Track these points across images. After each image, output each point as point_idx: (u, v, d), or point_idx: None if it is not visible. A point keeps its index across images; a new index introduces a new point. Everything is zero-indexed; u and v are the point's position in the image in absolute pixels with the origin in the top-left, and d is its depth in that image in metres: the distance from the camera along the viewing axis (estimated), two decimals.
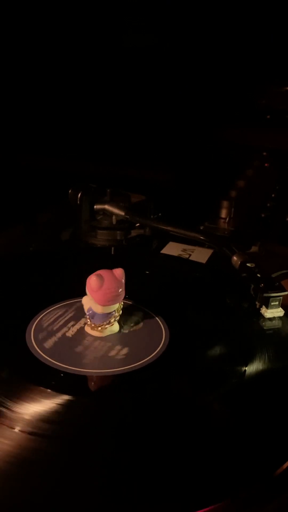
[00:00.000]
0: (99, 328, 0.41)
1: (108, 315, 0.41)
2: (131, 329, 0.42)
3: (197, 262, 0.60)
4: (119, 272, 0.40)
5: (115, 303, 0.40)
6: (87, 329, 0.41)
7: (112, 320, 0.41)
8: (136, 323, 0.43)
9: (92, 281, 0.39)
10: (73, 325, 0.42)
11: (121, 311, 0.42)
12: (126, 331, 0.42)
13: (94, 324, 0.41)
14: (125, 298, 0.45)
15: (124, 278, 0.40)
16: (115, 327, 0.42)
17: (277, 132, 1.01)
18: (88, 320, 0.41)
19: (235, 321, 0.46)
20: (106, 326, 0.41)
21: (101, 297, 0.39)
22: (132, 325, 0.43)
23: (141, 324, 0.43)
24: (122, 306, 0.42)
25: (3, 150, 0.93)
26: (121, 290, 0.40)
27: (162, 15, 0.95)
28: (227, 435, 0.33)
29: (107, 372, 0.37)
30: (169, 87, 0.99)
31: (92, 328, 0.41)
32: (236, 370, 0.38)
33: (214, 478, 0.29)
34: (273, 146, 1.00)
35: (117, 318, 0.41)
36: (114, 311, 0.41)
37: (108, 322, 0.41)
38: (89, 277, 0.39)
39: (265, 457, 0.31)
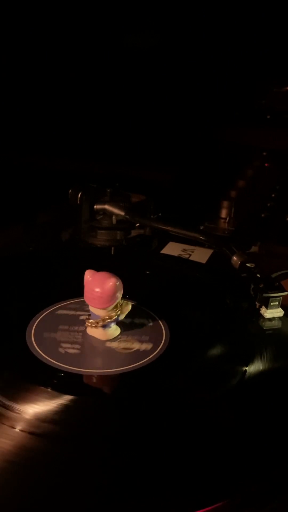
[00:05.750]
0: (88, 323, 0.40)
1: (97, 316, 0.40)
2: (131, 329, 0.42)
3: (197, 262, 0.60)
4: (109, 282, 0.38)
5: (94, 306, 0.39)
6: (88, 329, 0.41)
7: (96, 323, 0.40)
8: (136, 323, 0.43)
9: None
10: (77, 324, 0.42)
11: (111, 318, 0.40)
12: (125, 331, 0.42)
13: (89, 319, 0.41)
14: (125, 298, 0.45)
15: (112, 290, 0.38)
16: (109, 334, 0.41)
17: (277, 132, 1.01)
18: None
19: (235, 321, 0.46)
20: (88, 324, 0.40)
21: (84, 293, 0.40)
22: (131, 325, 0.42)
23: (140, 324, 0.43)
24: (118, 317, 0.40)
25: (3, 150, 0.93)
26: (100, 298, 0.39)
27: (163, 16, 0.95)
28: (227, 435, 0.33)
29: (107, 372, 0.37)
30: (169, 87, 0.99)
31: (89, 324, 0.41)
32: (236, 370, 0.38)
33: (214, 478, 0.29)
34: (273, 146, 1.00)
35: (105, 324, 0.40)
36: (106, 318, 0.40)
37: (95, 322, 0.40)
38: None
39: (265, 457, 0.31)
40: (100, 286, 0.39)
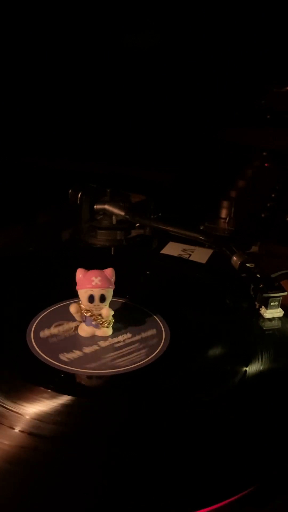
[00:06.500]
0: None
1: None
2: (131, 329, 0.42)
3: (197, 262, 0.60)
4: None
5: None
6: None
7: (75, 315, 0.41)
8: (136, 323, 0.43)
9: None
10: (75, 325, 0.42)
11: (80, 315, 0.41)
12: (126, 331, 0.42)
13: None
14: (125, 298, 0.45)
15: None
16: (84, 330, 0.41)
17: (277, 132, 1.01)
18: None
19: (235, 321, 0.46)
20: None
21: None
22: (131, 325, 0.42)
23: (141, 324, 0.43)
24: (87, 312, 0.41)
25: (3, 150, 0.93)
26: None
27: (163, 16, 0.95)
28: (227, 435, 0.33)
29: (108, 372, 0.37)
30: (169, 87, 0.99)
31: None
32: (236, 370, 0.38)
33: (214, 478, 0.29)
34: (273, 146, 1.00)
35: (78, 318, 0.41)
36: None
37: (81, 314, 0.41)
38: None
39: (265, 457, 0.31)
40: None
